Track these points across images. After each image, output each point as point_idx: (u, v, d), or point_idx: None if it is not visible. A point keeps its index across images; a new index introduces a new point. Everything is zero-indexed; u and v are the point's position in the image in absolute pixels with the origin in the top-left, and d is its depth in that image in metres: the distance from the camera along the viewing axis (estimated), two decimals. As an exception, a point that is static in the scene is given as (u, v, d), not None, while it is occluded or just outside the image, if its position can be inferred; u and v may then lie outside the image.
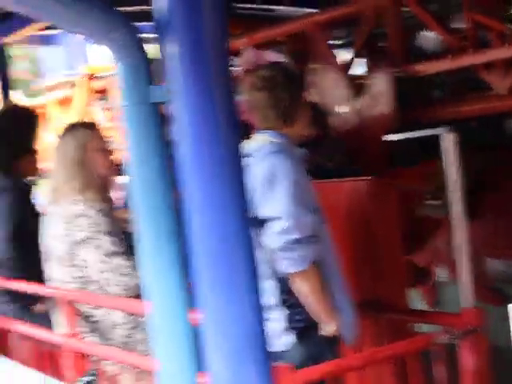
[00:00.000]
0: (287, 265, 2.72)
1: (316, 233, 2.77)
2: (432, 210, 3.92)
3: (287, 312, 2.79)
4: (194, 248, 2.01)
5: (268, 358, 2.01)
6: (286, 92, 2.91)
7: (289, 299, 2.79)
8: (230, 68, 2.10)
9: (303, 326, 2.78)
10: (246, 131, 2.92)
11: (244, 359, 1.97)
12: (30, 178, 4.03)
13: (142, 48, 2.09)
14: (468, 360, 2.66)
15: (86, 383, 2.85)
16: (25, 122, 4.03)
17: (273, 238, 2.72)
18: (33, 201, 3.90)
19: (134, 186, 2.16)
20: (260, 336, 2.01)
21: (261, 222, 2.74)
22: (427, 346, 2.65)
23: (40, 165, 4.05)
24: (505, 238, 4.22)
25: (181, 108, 1.98)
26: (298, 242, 2.69)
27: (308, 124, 3.02)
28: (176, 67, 1.97)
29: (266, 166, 2.78)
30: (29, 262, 3.48)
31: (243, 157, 2.31)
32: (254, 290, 2.01)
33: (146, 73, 2.08)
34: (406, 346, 2.71)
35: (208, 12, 1.96)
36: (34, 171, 4.02)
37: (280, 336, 2.77)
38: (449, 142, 2.75)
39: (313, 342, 2.78)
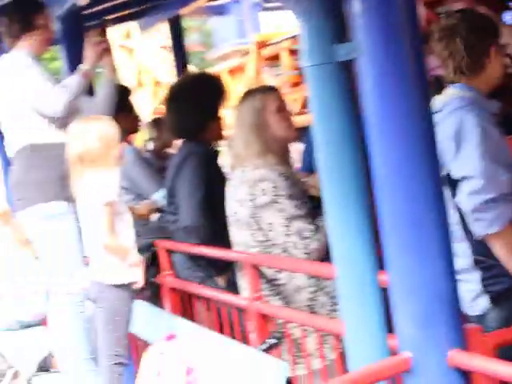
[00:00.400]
0: (481, 226, 2.59)
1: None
2: None
3: (482, 274, 2.68)
4: (382, 209, 1.97)
5: (459, 320, 1.95)
6: (471, 41, 2.73)
7: (484, 261, 2.67)
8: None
9: (501, 288, 2.66)
10: (438, 86, 2.81)
11: (434, 322, 1.92)
12: (215, 145, 4.01)
13: (328, 6, 2.05)
14: None
15: (271, 346, 2.88)
16: (213, 88, 3.98)
17: (464, 199, 2.60)
18: (220, 166, 3.89)
19: (319, 148, 2.14)
20: (451, 299, 1.94)
21: (452, 183, 2.63)
22: None
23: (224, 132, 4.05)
24: None
25: (368, 65, 1.93)
26: (492, 201, 2.55)
27: (501, 73, 2.85)
28: (363, 23, 1.92)
29: (454, 121, 2.64)
30: (217, 229, 3.47)
31: (434, 113, 2.24)
32: (446, 253, 1.95)
33: (331, 31, 2.05)
34: None
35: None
36: (219, 138, 3.98)
37: (475, 299, 2.67)
38: None
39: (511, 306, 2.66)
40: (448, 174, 2.63)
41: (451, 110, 2.68)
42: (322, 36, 2.04)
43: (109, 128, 3.32)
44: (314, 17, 2.04)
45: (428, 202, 1.93)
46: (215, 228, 3.54)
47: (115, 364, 3.29)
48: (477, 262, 2.68)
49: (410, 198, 1.92)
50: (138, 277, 3.33)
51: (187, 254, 3.84)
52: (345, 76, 2.08)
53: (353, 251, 2.10)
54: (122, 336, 3.29)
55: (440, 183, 1.97)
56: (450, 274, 1.95)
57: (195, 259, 3.79)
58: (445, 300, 1.93)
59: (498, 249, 2.61)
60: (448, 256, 1.95)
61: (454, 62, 2.76)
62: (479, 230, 2.61)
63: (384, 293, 2.07)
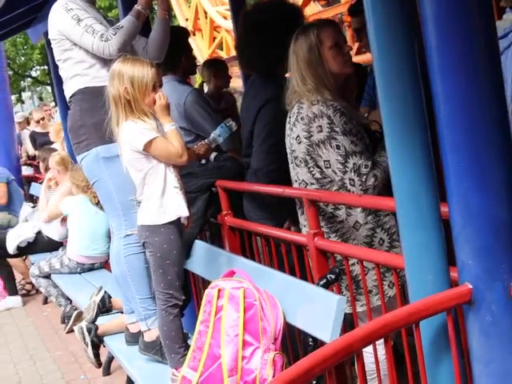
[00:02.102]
0: None
1: None
2: None
3: None
4: (443, 139, 1.92)
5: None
6: None
7: None
8: None
9: None
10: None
11: (495, 252, 1.88)
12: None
13: None
14: None
15: (329, 281, 2.87)
16: (293, 17, 3.74)
17: None
18: None
19: (380, 81, 2.08)
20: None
21: None
22: None
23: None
24: None
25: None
26: None
27: None
28: None
29: None
30: (285, 172, 3.39)
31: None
32: (508, 181, 1.89)
33: None
34: None
35: None
36: None
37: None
38: None
39: None
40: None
41: None
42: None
43: (144, 72, 3.22)
44: None
45: (490, 131, 1.87)
46: (283, 172, 3.44)
47: (169, 306, 3.31)
48: None
49: (472, 127, 1.87)
50: (182, 211, 3.28)
51: (252, 198, 3.84)
52: (406, 5, 2.01)
53: (414, 183, 2.07)
54: (173, 278, 3.30)
55: (504, 110, 1.90)
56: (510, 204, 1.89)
57: (261, 204, 3.79)
58: (506, 230, 1.88)
59: None
60: (509, 187, 1.89)
61: None
62: None
63: (446, 224, 2.03)
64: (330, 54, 3.13)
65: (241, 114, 3.98)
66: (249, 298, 2.95)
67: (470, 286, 1.91)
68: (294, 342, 3.31)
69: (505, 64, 2.57)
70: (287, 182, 3.35)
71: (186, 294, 3.53)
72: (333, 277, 2.87)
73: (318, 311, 2.73)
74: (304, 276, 3.22)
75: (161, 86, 3.31)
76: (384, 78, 2.07)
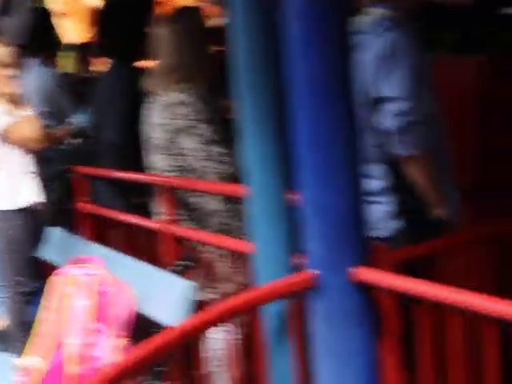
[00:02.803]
0: (402, 148, 2.56)
1: (431, 113, 2.61)
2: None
3: (397, 197, 2.66)
4: (295, 128, 1.94)
5: (364, 237, 1.95)
6: None
7: (399, 184, 2.65)
8: None
9: (412, 210, 2.65)
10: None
11: (341, 240, 1.92)
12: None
13: None
14: None
15: (182, 268, 2.86)
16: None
17: (389, 119, 2.54)
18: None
19: (239, 71, 2.11)
20: (356, 218, 1.94)
21: (375, 103, 2.57)
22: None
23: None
24: None
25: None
26: (415, 123, 2.53)
27: None
28: None
29: (384, 43, 2.55)
30: (132, 151, 3.42)
31: (355, 34, 2.20)
32: (355, 174, 1.94)
33: None
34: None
35: None
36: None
37: (387, 221, 2.66)
38: None
39: (420, 228, 2.61)
40: (371, 95, 2.57)
41: (380, 30, 2.58)
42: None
43: None
44: None
45: (338, 124, 1.91)
46: (131, 151, 3.46)
47: (17, 293, 3.21)
48: (393, 185, 2.66)
49: (322, 118, 1.90)
50: (36, 197, 3.19)
51: (108, 182, 3.77)
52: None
53: (265, 173, 2.12)
54: (21, 265, 3.21)
55: (351, 105, 1.93)
56: (356, 195, 1.94)
57: (111, 183, 3.74)
58: (346, 221, 1.92)
59: (415, 171, 2.60)
60: (353, 177, 1.94)
61: None
62: (400, 150, 2.58)
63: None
64: (200, 42, 3.11)
65: (94, 99, 3.92)
66: (100, 284, 2.89)
67: (314, 272, 1.93)
68: (145, 330, 3.27)
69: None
70: (134, 161, 3.35)
71: (37, 281, 3.42)
72: (186, 263, 2.86)
73: (169, 298, 2.70)
74: (158, 263, 3.20)
75: (17, 67, 3.21)
76: (244, 70, 2.09)
